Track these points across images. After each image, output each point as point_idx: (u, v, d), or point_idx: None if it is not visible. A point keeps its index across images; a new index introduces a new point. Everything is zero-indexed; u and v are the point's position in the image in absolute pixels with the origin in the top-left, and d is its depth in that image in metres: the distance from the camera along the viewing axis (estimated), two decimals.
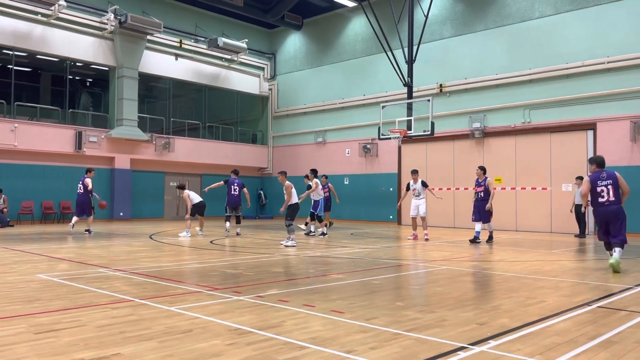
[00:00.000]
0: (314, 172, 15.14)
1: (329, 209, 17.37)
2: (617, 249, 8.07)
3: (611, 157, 16.90)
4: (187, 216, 14.68)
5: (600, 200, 8.25)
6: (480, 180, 13.48)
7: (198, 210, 14.75)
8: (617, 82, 16.88)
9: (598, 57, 17.22)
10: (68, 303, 5.36)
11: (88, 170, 15.17)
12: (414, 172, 14.65)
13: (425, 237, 14.06)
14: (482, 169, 13.65)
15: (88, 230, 14.75)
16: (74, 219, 14.79)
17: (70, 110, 21.84)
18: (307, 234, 15.33)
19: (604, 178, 8.29)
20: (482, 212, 13.29)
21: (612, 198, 8.21)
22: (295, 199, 12.18)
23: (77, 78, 23.59)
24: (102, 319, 4.70)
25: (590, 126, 17.47)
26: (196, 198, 14.80)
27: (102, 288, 6.23)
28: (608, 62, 16.99)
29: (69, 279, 6.87)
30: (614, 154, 16.86)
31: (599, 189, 8.26)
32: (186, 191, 14.79)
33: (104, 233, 15.26)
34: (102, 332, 4.22)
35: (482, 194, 13.33)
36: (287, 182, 12.18)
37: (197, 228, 14.99)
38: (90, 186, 14.72)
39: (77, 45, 21.02)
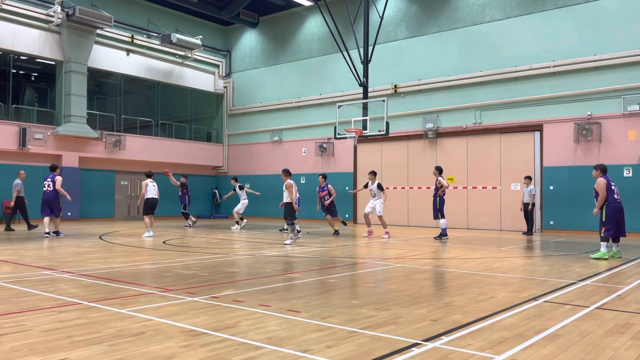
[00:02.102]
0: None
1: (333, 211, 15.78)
2: (618, 244, 9.97)
3: (556, 158, 17.65)
4: (143, 215, 14.33)
5: (616, 197, 9.79)
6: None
7: (151, 205, 14.21)
8: (563, 85, 17.61)
9: (545, 61, 17.90)
10: (11, 307, 5.13)
11: (55, 168, 14.23)
12: (371, 173, 15.07)
13: (385, 235, 14.45)
14: (435, 169, 14.30)
15: (57, 232, 13.78)
16: (46, 220, 13.74)
17: (14, 105, 20.88)
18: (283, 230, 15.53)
19: (612, 180, 9.97)
20: (433, 208, 14.06)
21: (619, 197, 9.90)
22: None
23: (21, 72, 22.60)
24: (48, 323, 4.52)
25: (538, 127, 18.14)
26: (151, 192, 14.23)
27: (48, 291, 5.99)
28: (554, 66, 17.69)
29: (12, 282, 6.56)
30: (559, 155, 17.59)
31: (613, 188, 9.78)
32: (147, 180, 14.34)
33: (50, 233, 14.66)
34: (49, 337, 4.06)
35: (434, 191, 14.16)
36: (288, 180, 12.28)
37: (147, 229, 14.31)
38: (59, 186, 13.72)
39: (22, 38, 20.12)
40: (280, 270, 8.23)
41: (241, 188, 17.91)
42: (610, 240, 9.93)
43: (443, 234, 13.99)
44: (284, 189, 12.59)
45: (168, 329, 4.35)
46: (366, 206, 15.13)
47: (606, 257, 9.66)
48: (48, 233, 13.56)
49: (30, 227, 15.88)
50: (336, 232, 15.35)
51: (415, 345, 3.95)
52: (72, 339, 4.02)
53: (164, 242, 12.40)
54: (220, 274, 7.52)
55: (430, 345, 3.96)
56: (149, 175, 14.60)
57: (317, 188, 16.63)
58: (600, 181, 9.77)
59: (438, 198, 13.98)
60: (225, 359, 3.57)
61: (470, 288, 6.51)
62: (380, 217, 14.66)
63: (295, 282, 6.96)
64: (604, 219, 9.73)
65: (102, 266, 8.19)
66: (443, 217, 14.02)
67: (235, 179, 18.49)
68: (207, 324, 4.52)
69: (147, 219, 14.24)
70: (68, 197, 13.95)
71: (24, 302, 5.39)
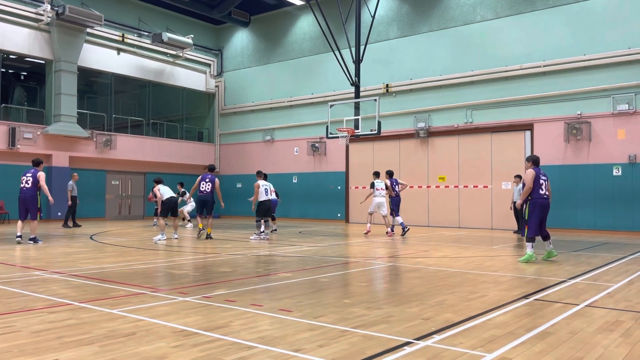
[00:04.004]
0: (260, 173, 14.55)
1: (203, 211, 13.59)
2: (550, 241, 9.23)
3: (547, 156, 17.75)
4: (159, 217, 13.17)
5: (541, 192, 9.01)
6: None
7: (168, 207, 13.04)
8: (552, 85, 17.73)
9: (535, 61, 18.01)
10: (1, 308, 5.08)
11: (39, 163, 11.97)
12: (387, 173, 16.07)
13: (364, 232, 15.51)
14: (386, 173, 15.65)
15: (34, 239, 11.68)
16: (20, 224, 11.82)
17: (3, 105, 20.71)
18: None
19: (543, 174, 9.16)
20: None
21: (548, 193, 9.12)
22: (262, 197, 13.03)
23: (10, 71, 22.41)
24: (38, 323, 4.48)
25: (528, 127, 18.25)
26: (167, 193, 13.13)
27: (38, 292, 5.94)
28: (544, 66, 17.80)
29: (2, 283, 6.51)
30: (549, 154, 17.70)
31: (542, 182, 9.03)
32: (158, 185, 13.38)
33: (40, 234, 14.52)
34: (39, 338, 4.03)
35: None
36: (257, 182, 13.19)
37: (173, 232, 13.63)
38: (44, 182, 11.71)
39: (11, 37, 19.94)
40: (272, 269, 8.22)
41: (183, 194, 18.30)
42: (542, 239, 9.19)
43: (403, 229, 15.23)
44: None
45: (159, 329, 4.33)
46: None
47: (534, 258, 8.89)
48: (20, 237, 11.64)
49: (75, 225, 17.73)
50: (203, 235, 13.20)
51: (407, 344, 3.97)
52: (62, 339, 3.99)
53: (154, 242, 12.34)
54: (212, 274, 7.50)
55: (422, 343, 3.98)
56: (158, 181, 13.60)
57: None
58: (529, 172, 9.05)
59: (390, 199, 15.27)
60: (217, 359, 3.56)
61: (461, 287, 6.54)
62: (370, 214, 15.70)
63: (287, 281, 6.96)
64: (526, 217, 9.04)
65: (92, 266, 8.14)
66: (397, 215, 15.23)
67: (182, 184, 18.83)
68: (199, 324, 4.51)
69: (161, 221, 13.06)
70: (50, 198, 12.00)
71: (13, 302, 5.35)
